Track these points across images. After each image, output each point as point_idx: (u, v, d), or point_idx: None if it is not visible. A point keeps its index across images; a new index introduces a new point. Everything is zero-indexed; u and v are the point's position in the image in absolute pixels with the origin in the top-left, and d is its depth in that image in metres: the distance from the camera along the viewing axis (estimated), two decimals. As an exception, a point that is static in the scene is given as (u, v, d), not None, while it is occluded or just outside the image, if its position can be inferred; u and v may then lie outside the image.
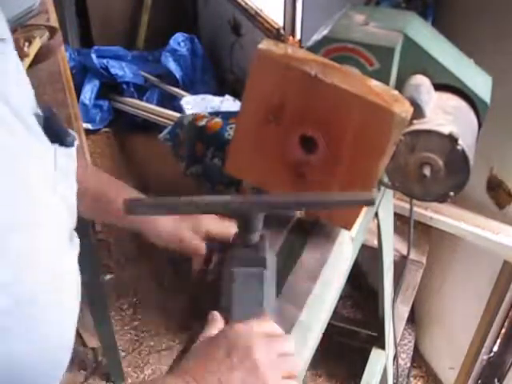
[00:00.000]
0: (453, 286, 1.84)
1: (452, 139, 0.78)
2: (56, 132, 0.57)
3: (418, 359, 2.07)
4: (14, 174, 0.50)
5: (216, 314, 0.66)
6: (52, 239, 0.57)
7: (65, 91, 1.83)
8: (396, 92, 0.72)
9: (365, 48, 0.81)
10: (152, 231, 0.81)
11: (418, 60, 0.84)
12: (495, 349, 1.68)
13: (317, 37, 0.85)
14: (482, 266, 1.64)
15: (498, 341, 1.66)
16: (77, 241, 0.65)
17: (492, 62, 0.99)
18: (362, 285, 2.11)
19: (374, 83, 0.71)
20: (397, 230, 1.31)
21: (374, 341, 1.59)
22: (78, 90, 2.91)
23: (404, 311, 1.68)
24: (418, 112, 0.79)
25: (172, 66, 3.14)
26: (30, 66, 1.35)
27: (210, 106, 2.70)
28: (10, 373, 0.48)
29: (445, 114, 0.82)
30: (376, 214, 1.07)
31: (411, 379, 2.01)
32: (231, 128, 2.08)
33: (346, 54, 0.82)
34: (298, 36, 2.45)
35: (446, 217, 1.44)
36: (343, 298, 2.16)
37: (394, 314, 1.31)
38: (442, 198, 0.85)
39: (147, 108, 3.01)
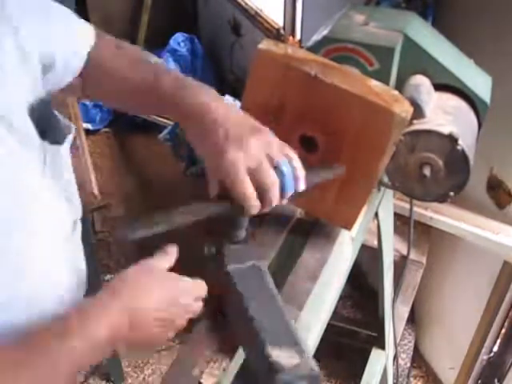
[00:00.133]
0: (453, 286, 1.84)
1: (452, 139, 0.78)
2: (47, 125, 0.57)
3: (418, 359, 2.07)
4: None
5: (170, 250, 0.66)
6: (49, 237, 0.59)
7: (65, 91, 1.83)
8: (396, 92, 0.72)
9: (365, 48, 0.81)
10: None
11: (418, 60, 0.84)
12: (495, 349, 1.68)
13: (317, 37, 0.85)
14: (481, 266, 1.64)
15: (498, 341, 1.66)
16: (79, 228, 0.67)
17: (492, 62, 0.99)
18: (362, 285, 2.11)
19: (374, 83, 0.71)
20: (397, 230, 1.31)
21: (374, 341, 1.59)
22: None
23: (404, 311, 1.68)
24: (418, 112, 0.79)
25: (172, 66, 3.13)
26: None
27: (210, 106, 2.69)
28: None
29: (445, 114, 0.82)
30: (376, 214, 1.07)
31: (411, 379, 2.01)
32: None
33: (346, 54, 0.82)
34: (298, 36, 2.45)
35: (446, 217, 1.44)
36: (343, 298, 2.16)
37: (394, 314, 1.31)
38: (442, 198, 0.85)
39: (147, 108, 3.01)
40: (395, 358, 1.57)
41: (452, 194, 0.83)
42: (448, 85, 0.86)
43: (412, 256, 1.39)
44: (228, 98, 2.78)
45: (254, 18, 2.72)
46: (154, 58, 0.75)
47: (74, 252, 0.68)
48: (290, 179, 0.64)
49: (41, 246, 0.58)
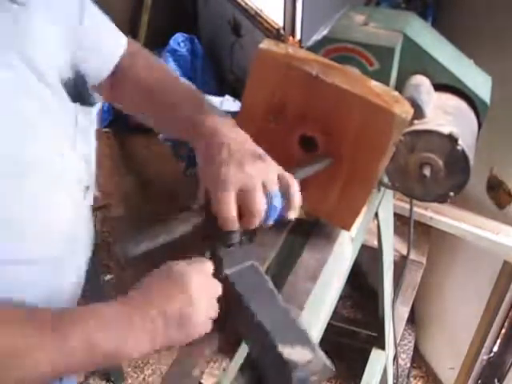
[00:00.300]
0: (453, 286, 1.84)
1: (452, 139, 0.78)
2: (78, 92, 0.62)
3: (418, 359, 2.07)
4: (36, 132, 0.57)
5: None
6: (70, 190, 0.63)
7: (65, 91, 1.83)
8: (396, 93, 0.72)
9: (365, 48, 0.81)
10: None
11: (418, 60, 0.84)
12: (495, 349, 1.68)
13: (317, 37, 0.85)
14: (482, 266, 1.64)
15: (498, 341, 1.66)
16: (91, 194, 0.71)
17: (492, 62, 0.99)
18: (362, 285, 2.11)
19: (375, 84, 0.71)
20: (397, 230, 1.31)
21: (374, 341, 1.59)
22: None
23: (404, 311, 1.68)
24: (418, 112, 0.79)
25: (172, 66, 3.13)
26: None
27: (210, 106, 2.69)
28: None
29: (445, 114, 0.82)
30: (376, 214, 1.07)
31: (411, 379, 2.01)
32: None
33: (346, 54, 0.82)
34: (298, 36, 2.45)
35: (446, 217, 1.44)
36: (343, 298, 2.16)
37: (394, 314, 1.31)
38: (442, 198, 0.85)
39: (147, 108, 3.01)
40: (395, 358, 1.57)
41: (452, 194, 0.83)
42: (448, 85, 0.86)
43: (412, 256, 1.39)
44: (228, 99, 2.78)
45: (254, 18, 2.73)
46: (179, 79, 0.80)
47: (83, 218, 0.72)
48: (275, 212, 0.65)
49: (59, 194, 0.62)
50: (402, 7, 1.45)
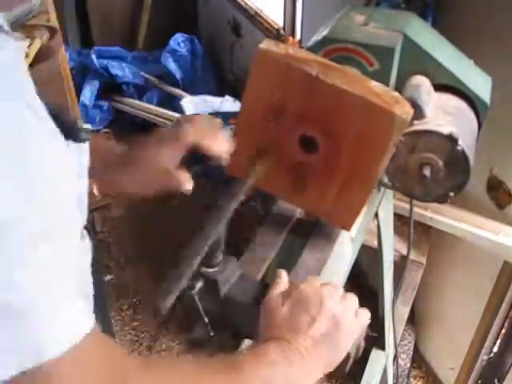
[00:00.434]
0: (453, 286, 1.84)
1: (452, 139, 0.78)
2: (68, 128, 0.56)
3: (418, 359, 2.07)
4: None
5: (283, 276, 0.69)
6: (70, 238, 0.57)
7: (65, 92, 1.83)
8: (397, 93, 0.72)
9: (365, 48, 0.81)
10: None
11: (418, 60, 0.84)
12: (495, 349, 1.68)
13: (317, 37, 0.85)
14: (481, 266, 1.64)
15: (498, 341, 1.67)
16: (87, 240, 0.64)
17: (492, 62, 0.99)
18: (362, 285, 2.11)
19: (375, 84, 0.71)
20: (397, 230, 1.31)
21: (374, 341, 1.59)
22: (78, 91, 2.91)
23: (404, 311, 1.69)
24: (418, 112, 0.79)
25: (172, 66, 3.13)
26: (30, 66, 1.35)
27: (210, 107, 2.70)
28: None
29: (445, 115, 0.82)
30: (376, 214, 1.07)
31: (411, 379, 2.01)
32: (231, 128, 2.08)
33: (346, 54, 0.82)
34: (298, 36, 2.45)
35: (446, 217, 1.44)
36: (343, 298, 2.15)
37: (394, 314, 1.31)
38: (442, 199, 0.85)
39: (147, 108, 3.01)
40: (395, 358, 1.57)
41: (452, 194, 0.83)
42: (448, 85, 0.86)
43: (412, 256, 1.39)
44: (228, 99, 2.78)
45: (254, 18, 2.73)
46: None
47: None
48: None
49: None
50: (402, 7, 1.45)
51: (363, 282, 2.12)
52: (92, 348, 0.44)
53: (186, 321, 2.13)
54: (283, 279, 0.69)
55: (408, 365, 1.94)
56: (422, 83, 0.83)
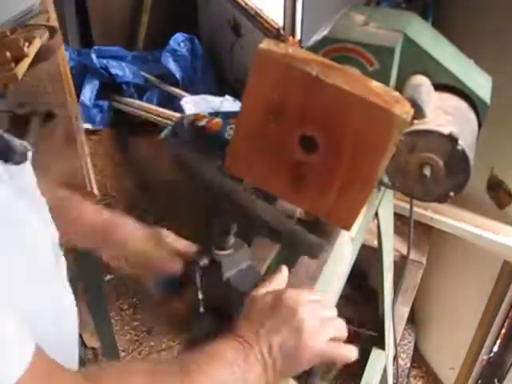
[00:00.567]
0: (453, 286, 1.84)
1: (452, 139, 0.78)
2: (3, 152, 0.55)
3: (418, 359, 2.07)
4: None
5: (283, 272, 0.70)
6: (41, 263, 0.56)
7: (65, 91, 1.83)
8: (397, 93, 0.71)
9: (365, 48, 0.81)
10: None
11: (418, 60, 0.84)
12: (495, 349, 1.68)
13: (317, 37, 0.85)
14: (482, 266, 1.64)
15: (498, 341, 1.67)
16: (62, 258, 0.64)
17: (492, 63, 0.99)
18: (362, 285, 2.11)
19: (375, 84, 0.71)
20: (397, 230, 1.31)
21: (374, 341, 1.58)
22: (78, 91, 2.91)
23: (404, 311, 1.68)
24: (419, 112, 0.79)
25: (172, 66, 3.14)
26: (30, 65, 1.35)
27: (210, 106, 2.70)
28: None
29: (445, 114, 0.82)
30: (376, 214, 1.07)
31: (411, 379, 2.01)
32: (231, 128, 2.08)
33: (346, 54, 0.82)
34: (298, 36, 2.45)
35: (446, 217, 1.44)
36: (343, 297, 2.16)
37: (394, 314, 1.31)
38: (442, 198, 0.85)
39: (147, 108, 3.01)
40: (395, 358, 1.57)
41: (452, 194, 0.83)
42: (448, 85, 0.86)
43: (412, 256, 1.39)
44: (228, 98, 2.78)
45: (254, 18, 2.73)
46: None
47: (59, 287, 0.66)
48: None
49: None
50: (403, 7, 1.45)
51: (363, 282, 2.12)
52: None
53: (186, 320, 2.13)
54: (283, 275, 0.69)
55: (408, 365, 1.94)
56: (422, 83, 0.83)
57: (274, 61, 0.73)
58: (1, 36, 1.28)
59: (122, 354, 2.06)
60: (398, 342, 1.57)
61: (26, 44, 1.34)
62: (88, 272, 1.48)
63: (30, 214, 0.55)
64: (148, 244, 0.77)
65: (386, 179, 0.87)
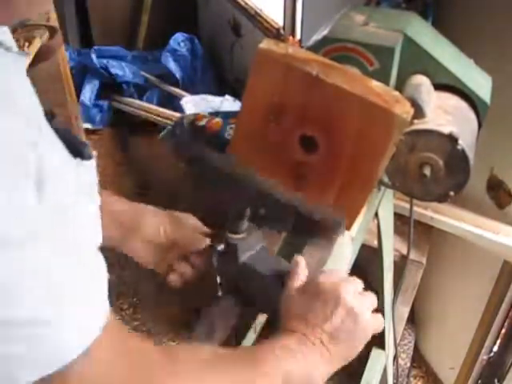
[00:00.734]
0: (453, 286, 1.84)
1: (452, 139, 0.78)
2: (74, 146, 0.54)
3: (418, 359, 2.07)
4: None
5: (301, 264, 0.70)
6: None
7: (65, 91, 1.83)
8: (397, 93, 0.72)
9: (365, 48, 0.81)
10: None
11: (418, 60, 0.84)
12: (495, 349, 1.68)
13: (317, 37, 0.85)
14: (482, 266, 1.64)
15: (498, 341, 1.66)
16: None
17: (492, 63, 0.99)
18: (361, 285, 2.11)
19: (375, 84, 0.71)
20: (397, 230, 1.31)
21: (374, 341, 1.58)
22: (78, 90, 2.91)
23: (404, 311, 1.68)
24: (419, 112, 0.79)
25: (172, 66, 3.13)
26: (30, 65, 1.35)
27: (210, 106, 2.69)
28: None
29: (445, 114, 0.82)
30: (376, 214, 1.07)
31: (411, 379, 2.01)
32: (231, 128, 2.08)
33: (346, 53, 0.82)
34: (298, 36, 2.45)
35: (446, 217, 1.44)
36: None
37: (394, 314, 1.31)
38: (442, 198, 0.85)
39: (147, 108, 3.01)
40: (395, 358, 1.57)
41: (452, 193, 0.83)
42: (448, 84, 0.86)
43: (412, 256, 1.39)
44: (228, 98, 2.78)
45: (254, 17, 2.72)
46: None
47: None
48: None
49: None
50: (403, 7, 1.45)
51: (363, 282, 2.11)
52: (106, 349, 0.44)
53: (187, 320, 2.13)
54: (301, 267, 0.69)
55: (408, 365, 1.94)
56: (422, 83, 0.83)
57: (274, 61, 0.73)
58: (1, 36, 1.28)
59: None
60: (398, 341, 1.56)
61: (26, 44, 1.34)
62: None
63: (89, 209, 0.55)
64: (171, 227, 0.79)
65: (386, 179, 0.87)
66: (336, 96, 0.71)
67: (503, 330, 1.63)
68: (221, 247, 0.73)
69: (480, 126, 0.89)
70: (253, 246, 0.74)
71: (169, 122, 2.77)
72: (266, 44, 0.74)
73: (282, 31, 2.50)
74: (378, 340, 1.52)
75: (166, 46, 3.16)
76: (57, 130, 0.49)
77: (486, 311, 1.63)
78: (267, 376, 0.56)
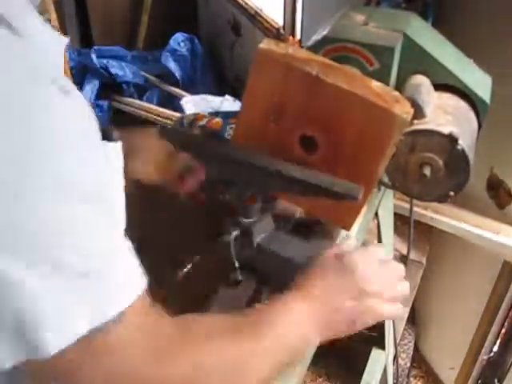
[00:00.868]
0: (453, 286, 1.84)
1: (452, 139, 0.78)
2: (102, 129, 0.57)
3: (418, 359, 2.07)
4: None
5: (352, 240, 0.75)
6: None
7: (65, 91, 1.83)
8: (397, 93, 0.71)
9: (365, 48, 0.81)
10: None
11: (418, 60, 0.84)
12: (495, 349, 1.68)
13: (317, 37, 0.85)
14: (482, 266, 1.64)
15: (498, 341, 1.67)
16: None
17: (492, 62, 0.99)
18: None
19: (375, 84, 0.71)
20: (397, 230, 1.31)
21: (374, 341, 1.59)
22: (78, 90, 2.91)
23: (404, 311, 1.68)
24: (419, 112, 0.79)
25: (172, 65, 3.13)
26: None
27: (210, 106, 2.69)
28: None
29: (445, 114, 0.82)
30: (376, 214, 1.07)
31: (411, 379, 2.01)
32: (231, 128, 2.08)
33: (345, 53, 0.82)
34: (298, 36, 2.45)
35: (446, 217, 1.44)
36: (343, 297, 2.15)
37: (394, 314, 1.31)
38: (442, 198, 0.85)
39: (147, 108, 3.01)
40: (395, 358, 1.57)
41: (452, 193, 0.83)
42: (448, 84, 0.86)
43: (412, 256, 1.39)
44: (228, 98, 2.78)
45: (254, 17, 2.72)
46: None
47: None
48: None
49: None
50: (403, 7, 1.45)
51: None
52: (143, 313, 0.47)
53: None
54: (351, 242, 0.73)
55: (408, 364, 1.94)
56: (422, 83, 0.83)
57: (274, 61, 0.73)
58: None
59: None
60: (398, 341, 1.56)
61: (26, 44, 1.34)
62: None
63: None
64: (166, 146, 0.81)
65: (386, 179, 0.87)
66: (336, 96, 0.71)
67: (503, 330, 1.63)
68: (236, 232, 0.75)
69: (480, 126, 0.89)
70: (265, 228, 0.77)
71: (169, 121, 2.77)
72: (266, 44, 0.74)
73: (281, 31, 2.50)
74: (378, 340, 1.53)
75: (166, 46, 3.16)
76: None
77: (486, 311, 1.63)
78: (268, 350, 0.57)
